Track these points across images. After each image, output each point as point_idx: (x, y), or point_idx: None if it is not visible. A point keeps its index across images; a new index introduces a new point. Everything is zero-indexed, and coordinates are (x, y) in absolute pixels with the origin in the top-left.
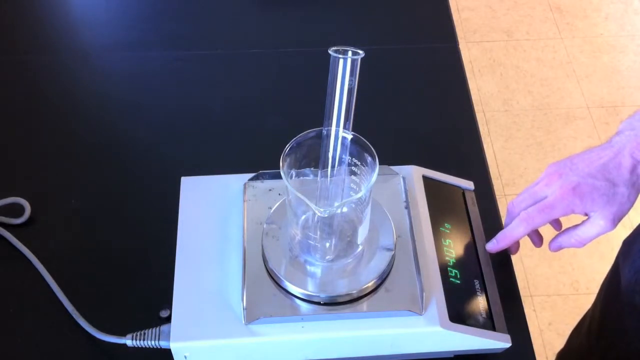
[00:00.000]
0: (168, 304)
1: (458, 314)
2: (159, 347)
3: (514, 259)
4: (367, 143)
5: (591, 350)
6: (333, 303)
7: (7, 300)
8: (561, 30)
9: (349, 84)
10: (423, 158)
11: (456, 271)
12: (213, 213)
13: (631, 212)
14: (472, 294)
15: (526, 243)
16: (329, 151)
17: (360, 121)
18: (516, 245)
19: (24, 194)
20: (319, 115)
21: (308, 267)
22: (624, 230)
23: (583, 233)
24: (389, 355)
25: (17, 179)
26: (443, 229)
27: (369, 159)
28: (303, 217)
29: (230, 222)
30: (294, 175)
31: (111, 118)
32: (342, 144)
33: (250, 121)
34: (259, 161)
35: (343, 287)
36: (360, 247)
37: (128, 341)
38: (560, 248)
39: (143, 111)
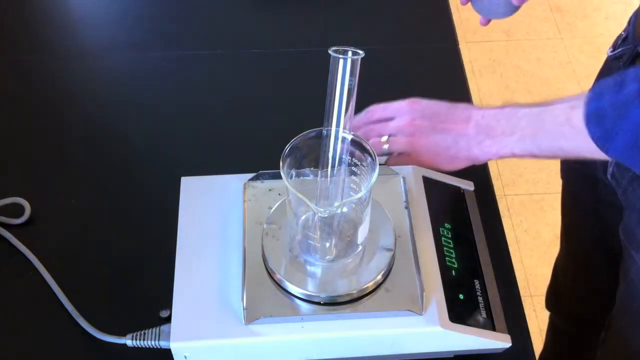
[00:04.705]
0: (168, 304)
1: (458, 314)
2: (159, 347)
3: (514, 259)
4: (367, 143)
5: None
6: (333, 303)
7: (7, 300)
8: (561, 30)
9: (349, 84)
10: None
11: (456, 271)
12: (213, 213)
13: None
14: (472, 294)
15: (526, 243)
16: (329, 151)
17: None
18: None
19: (24, 194)
20: (319, 115)
21: (308, 267)
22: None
23: None
24: (389, 355)
25: (17, 179)
26: (443, 229)
27: (369, 159)
28: (303, 217)
29: (230, 222)
30: (294, 175)
31: (111, 118)
32: (342, 144)
33: (250, 121)
34: (259, 161)
35: (343, 287)
36: (360, 247)
37: (128, 341)
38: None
39: (143, 111)
